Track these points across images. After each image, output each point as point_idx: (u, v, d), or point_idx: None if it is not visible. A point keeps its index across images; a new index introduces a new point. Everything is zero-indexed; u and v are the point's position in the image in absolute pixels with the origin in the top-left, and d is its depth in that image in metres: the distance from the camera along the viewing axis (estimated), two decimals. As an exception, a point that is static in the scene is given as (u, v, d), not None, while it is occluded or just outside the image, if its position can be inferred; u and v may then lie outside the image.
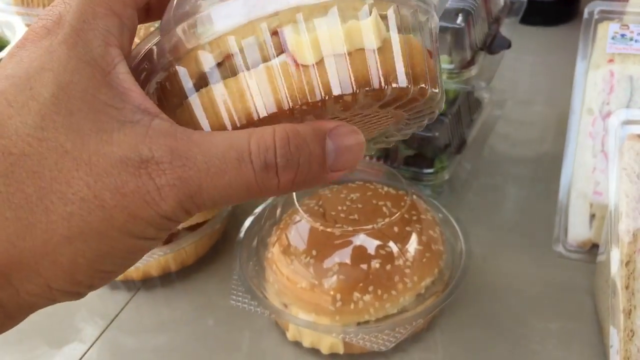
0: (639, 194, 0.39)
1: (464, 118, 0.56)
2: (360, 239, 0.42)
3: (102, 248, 0.22)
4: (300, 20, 0.23)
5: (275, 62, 0.23)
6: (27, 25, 0.55)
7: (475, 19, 0.49)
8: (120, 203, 0.22)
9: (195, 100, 0.24)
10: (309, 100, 0.23)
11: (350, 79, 0.23)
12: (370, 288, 0.41)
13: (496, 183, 0.60)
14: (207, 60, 0.24)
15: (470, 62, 0.49)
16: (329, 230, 0.42)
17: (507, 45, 0.52)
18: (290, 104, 0.23)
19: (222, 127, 0.24)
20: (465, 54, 0.48)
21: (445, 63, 0.48)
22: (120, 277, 0.49)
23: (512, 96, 0.73)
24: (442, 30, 0.48)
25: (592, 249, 0.49)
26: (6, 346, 0.46)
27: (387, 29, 0.24)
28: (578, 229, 0.50)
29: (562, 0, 0.82)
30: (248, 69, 0.23)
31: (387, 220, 0.42)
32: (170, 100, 0.25)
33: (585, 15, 0.53)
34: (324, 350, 0.42)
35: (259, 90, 0.23)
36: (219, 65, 0.24)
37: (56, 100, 0.22)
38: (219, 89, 0.24)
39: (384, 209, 0.44)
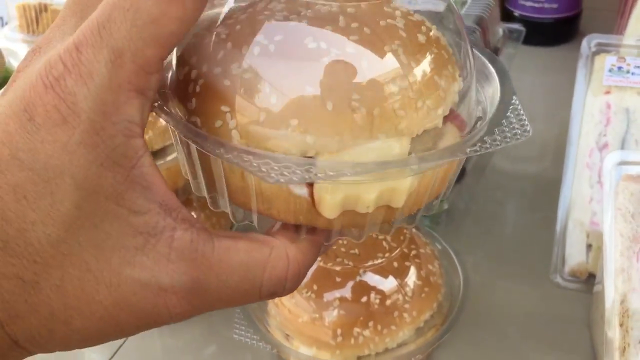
0: (633, 234, 0.40)
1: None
2: (361, 275, 0.43)
3: (106, 341, 0.24)
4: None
5: (298, 189, 0.24)
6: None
7: (473, 53, 0.50)
8: (134, 324, 0.23)
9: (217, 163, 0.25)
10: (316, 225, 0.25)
11: (364, 231, 0.27)
12: (370, 323, 0.41)
13: (495, 210, 0.60)
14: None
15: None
16: (329, 265, 0.43)
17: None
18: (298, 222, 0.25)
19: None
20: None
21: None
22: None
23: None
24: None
25: (589, 278, 0.50)
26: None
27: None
28: (575, 259, 0.51)
29: (562, 21, 0.83)
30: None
31: (387, 256, 0.43)
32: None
33: (583, 48, 0.54)
34: (325, 382, 0.43)
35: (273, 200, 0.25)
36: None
37: (79, 213, 0.22)
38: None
39: (384, 243, 0.45)
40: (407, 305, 0.42)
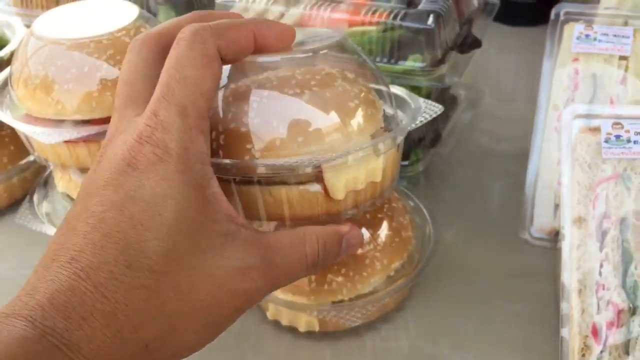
0: (590, 183, 0.42)
1: (439, 115, 0.59)
2: (335, 225, 0.45)
3: (215, 333, 0.31)
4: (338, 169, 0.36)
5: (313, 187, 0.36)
6: (27, 26, 0.58)
7: (446, 20, 0.52)
8: (232, 304, 0.30)
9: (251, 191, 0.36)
10: (330, 213, 0.37)
11: (360, 205, 0.39)
12: (343, 270, 0.44)
13: (472, 176, 0.63)
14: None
15: (441, 61, 0.52)
16: (305, 216, 0.45)
17: (478, 44, 0.55)
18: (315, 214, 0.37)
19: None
20: (436, 52, 0.52)
21: (417, 62, 0.52)
22: None
23: (496, 94, 0.76)
24: (414, 31, 0.51)
25: (556, 236, 0.53)
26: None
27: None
28: (543, 218, 0.53)
29: (542, 1, 0.85)
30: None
31: (359, 207, 0.46)
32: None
33: (552, 16, 0.56)
34: (301, 327, 0.46)
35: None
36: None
37: (180, 226, 0.29)
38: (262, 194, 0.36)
39: (358, 197, 0.47)
40: (378, 254, 0.45)
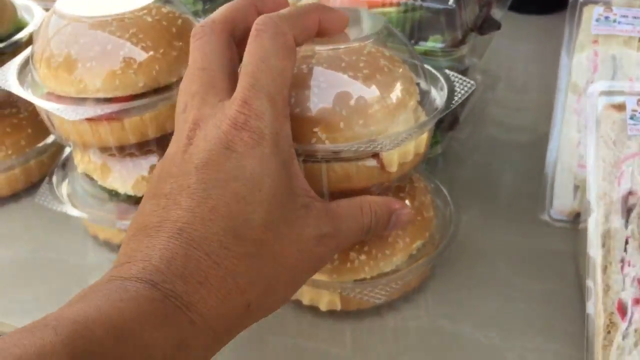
0: (615, 160, 0.42)
1: (457, 97, 0.59)
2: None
3: (296, 290, 0.37)
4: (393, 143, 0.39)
5: (370, 162, 0.40)
6: (46, 10, 0.58)
7: (466, 1, 0.52)
8: (310, 265, 0.36)
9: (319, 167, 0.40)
10: (382, 183, 0.41)
11: (406, 174, 0.43)
12: (366, 248, 0.44)
13: (490, 161, 0.63)
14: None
15: (462, 42, 0.52)
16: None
17: (497, 26, 0.55)
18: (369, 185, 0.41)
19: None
20: (457, 33, 0.51)
21: (437, 42, 0.52)
22: None
23: (508, 83, 0.76)
24: (435, 11, 0.51)
25: (576, 218, 0.52)
26: (26, 310, 0.49)
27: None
28: (563, 200, 0.53)
29: (556, -11, 0.85)
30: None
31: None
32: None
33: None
34: (323, 307, 0.46)
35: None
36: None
37: (274, 200, 0.33)
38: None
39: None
40: (400, 232, 0.45)
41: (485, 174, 0.61)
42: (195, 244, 0.30)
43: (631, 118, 0.42)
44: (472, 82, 0.44)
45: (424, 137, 0.43)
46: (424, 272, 0.47)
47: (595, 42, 0.55)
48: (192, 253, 0.30)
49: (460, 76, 0.45)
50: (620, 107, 0.42)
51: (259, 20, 0.35)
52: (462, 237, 0.49)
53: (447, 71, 0.45)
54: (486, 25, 0.54)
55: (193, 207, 0.31)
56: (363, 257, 0.44)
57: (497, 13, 0.60)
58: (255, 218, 0.32)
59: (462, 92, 0.43)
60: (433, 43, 0.51)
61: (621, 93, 0.43)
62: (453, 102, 0.42)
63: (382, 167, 0.40)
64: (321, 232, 0.35)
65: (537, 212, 0.53)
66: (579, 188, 0.53)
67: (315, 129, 0.38)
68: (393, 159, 0.40)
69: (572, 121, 0.54)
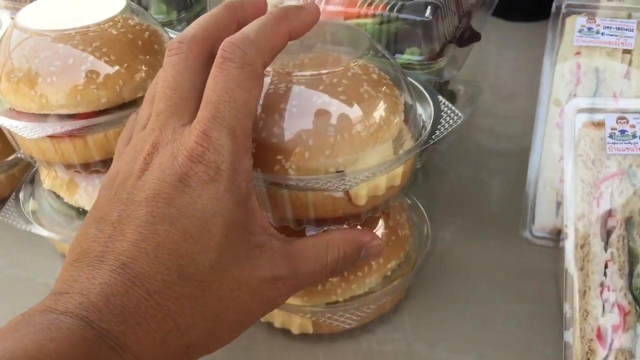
0: (594, 180, 0.41)
1: (437, 109, 0.57)
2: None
3: (241, 332, 0.34)
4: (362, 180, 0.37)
5: (337, 193, 0.38)
6: (12, 18, 0.56)
7: (444, 13, 0.51)
8: (260, 308, 0.34)
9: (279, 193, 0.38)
10: (351, 214, 0.39)
11: (379, 207, 0.41)
12: (337, 270, 0.42)
13: (472, 174, 0.61)
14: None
15: (439, 54, 0.50)
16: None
17: (477, 38, 0.54)
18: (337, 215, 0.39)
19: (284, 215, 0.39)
20: (434, 46, 0.50)
21: (415, 55, 0.50)
22: None
23: (496, 91, 0.75)
24: (412, 23, 0.49)
25: (558, 235, 0.51)
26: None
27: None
28: (545, 217, 0.52)
29: (542, -5, 0.83)
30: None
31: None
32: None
33: (554, 9, 0.55)
34: (294, 330, 0.44)
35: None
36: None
37: (225, 240, 0.31)
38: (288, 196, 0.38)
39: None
40: (374, 253, 0.43)
41: (467, 187, 0.59)
42: (138, 281, 0.29)
43: (610, 137, 0.40)
44: (459, 114, 0.42)
45: (398, 171, 0.40)
46: (399, 293, 0.46)
47: (578, 53, 0.54)
48: (133, 291, 0.29)
49: (450, 106, 0.43)
50: (599, 125, 0.41)
51: (226, 46, 0.33)
52: (440, 254, 0.48)
53: (439, 97, 0.43)
54: (465, 36, 0.53)
55: (139, 241, 0.30)
56: (335, 279, 0.42)
57: (479, 20, 0.58)
58: (202, 259, 0.30)
59: (446, 125, 0.41)
60: (410, 56, 0.50)
61: (600, 111, 0.42)
62: (433, 136, 0.41)
63: (350, 199, 0.38)
64: (275, 274, 0.33)
65: (519, 229, 0.52)
66: (562, 204, 0.52)
67: (279, 157, 0.36)
68: (361, 194, 0.38)
69: (553, 135, 0.53)
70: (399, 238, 0.45)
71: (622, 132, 0.40)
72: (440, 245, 0.48)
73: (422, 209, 0.49)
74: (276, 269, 0.33)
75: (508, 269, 0.50)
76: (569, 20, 0.54)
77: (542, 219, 0.52)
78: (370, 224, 0.44)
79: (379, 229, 0.44)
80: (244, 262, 0.32)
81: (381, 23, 0.50)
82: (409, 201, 0.49)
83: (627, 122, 0.41)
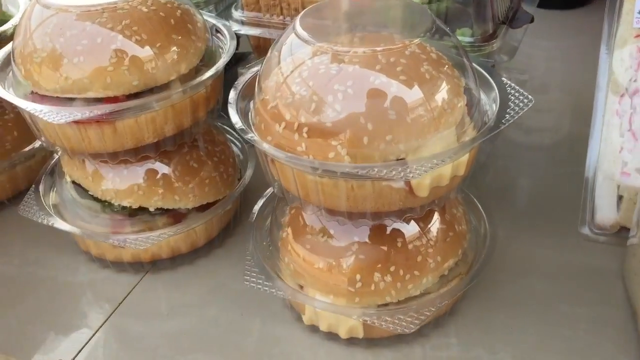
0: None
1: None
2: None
3: None
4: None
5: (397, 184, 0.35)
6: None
7: (498, -9, 0.47)
8: None
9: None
10: (411, 208, 0.36)
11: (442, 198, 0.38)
12: (392, 268, 0.38)
13: (515, 166, 0.58)
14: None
15: (492, 36, 0.47)
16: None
17: (530, 19, 0.50)
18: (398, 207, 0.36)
19: None
20: (488, 26, 0.46)
21: (467, 36, 0.46)
22: (127, 258, 0.47)
23: (528, 83, 0.71)
24: (463, 2, 0.46)
25: (620, 231, 0.47)
26: (9, 331, 0.44)
27: None
28: (605, 212, 0.48)
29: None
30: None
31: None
32: None
33: (613, -12, 0.51)
34: (342, 334, 0.40)
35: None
36: None
37: None
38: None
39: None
40: (430, 250, 0.39)
41: (513, 180, 0.56)
42: None
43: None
44: (529, 97, 0.39)
45: (463, 159, 0.36)
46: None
47: (638, 36, 0.50)
48: None
49: (518, 89, 0.39)
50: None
51: None
52: (496, 252, 0.44)
53: (504, 79, 0.40)
54: (518, 17, 0.49)
55: None
56: (389, 278, 0.38)
57: (528, 3, 0.55)
58: None
59: (516, 109, 0.38)
60: (461, 37, 0.46)
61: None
62: (503, 120, 0.37)
63: (411, 190, 0.34)
64: None
65: (576, 225, 0.48)
66: (623, 198, 0.48)
67: (335, 142, 0.33)
68: (424, 184, 0.34)
69: (613, 124, 0.49)
70: (456, 234, 0.41)
71: None
72: (495, 242, 0.44)
73: (478, 203, 0.45)
74: None
75: (568, 268, 0.46)
76: (627, 1, 0.51)
77: (603, 215, 0.48)
78: (426, 217, 0.40)
79: (435, 224, 0.40)
80: None
81: (430, 2, 0.47)
82: (462, 194, 0.46)
83: None
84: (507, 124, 0.36)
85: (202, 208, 0.47)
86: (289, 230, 0.42)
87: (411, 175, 0.33)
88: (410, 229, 0.40)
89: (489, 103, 0.39)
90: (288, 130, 0.34)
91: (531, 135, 0.64)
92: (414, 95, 0.34)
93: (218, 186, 0.48)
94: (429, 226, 0.40)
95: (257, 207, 0.46)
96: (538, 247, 0.48)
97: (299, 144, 0.34)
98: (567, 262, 0.46)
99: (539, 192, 0.54)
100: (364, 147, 0.33)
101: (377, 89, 0.33)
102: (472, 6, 0.46)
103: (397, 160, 0.33)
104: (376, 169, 0.32)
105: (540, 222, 0.50)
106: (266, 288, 0.40)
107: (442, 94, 0.35)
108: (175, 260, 0.48)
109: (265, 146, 0.35)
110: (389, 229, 0.39)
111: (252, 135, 0.36)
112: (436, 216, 0.41)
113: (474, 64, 0.39)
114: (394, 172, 0.32)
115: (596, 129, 0.49)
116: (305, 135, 0.34)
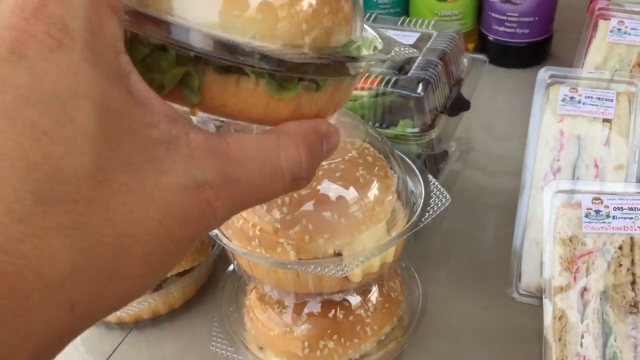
0: (571, 256, 0.44)
1: (430, 168, 0.61)
2: (327, 292, 0.47)
3: (161, 274, 0.23)
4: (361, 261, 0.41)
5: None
6: None
7: (435, 86, 0.54)
8: (185, 234, 0.23)
9: None
10: (344, 290, 0.44)
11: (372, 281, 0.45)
12: (335, 336, 0.46)
13: (461, 228, 0.64)
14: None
15: (431, 126, 0.54)
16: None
17: (467, 106, 0.57)
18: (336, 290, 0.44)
19: None
20: (426, 118, 0.54)
21: (409, 127, 0.54)
22: (113, 319, 0.54)
23: (490, 132, 0.78)
24: (405, 98, 0.53)
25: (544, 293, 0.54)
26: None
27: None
28: (530, 275, 0.55)
29: (533, 44, 0.87)
30: None
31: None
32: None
33: (538, 79, 0.58)
34: (294, 392, 0.48)
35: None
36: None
37: (103, 134, 0.20)
38: None
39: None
40: (369, 320, 0.46)
41: (457, 241, 0.62)
42: None
43: (586, 216, 0.44)
44: (448, 197, 0.46)
45: (391, 250, 0.44)
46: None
47: (561, 121, 0.57)
48: None
49: (440, 187, 0.46)
50: (576, 205, 0.45)
51: None
52: (431, 311, 0.51)
53: (429, 177, 0.47)
54: (456, 106, 0.56)
55: None
56: (332, 344, 0.46)
57: (470, 85, 0.62)
58: (70, 165, 0.20)
59: (435, 207, 0.45)
60: (403, 127, 0.53)
61: (577, 192, 0.45)
62: (423, 219, 0.44)
63: (346, 277, 0.42)
64: (196, 179, 0.22)
65: (506, 287, 0.55)
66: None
67: (282, 240, 0.40)
68: (356, 272, 0.42)
69: (538, 197, 0.56)
70: (392, 303, 0.48)
71: (597, 212, 0.44)
72: (431, 302, 0.51)
73: (414, 271, 0.52)
74: (197, 172, 0.22)
75: (495, 327, 0.53)
76: (552, 90, 0.58)
77: (528, 278, 0.55)
78: (364, 291, 0.48)
79: (373, 295, 0.48)
80: (142, 166, 0.21)
81: (376, 96, 0.54)
82: (403, 264, 0.53)
83: (602, 203, 0.44)
84: (425, 222, 0.43)
85: (181, 273, 0.54)
86: (252, 297, 0.49)
87: (345, 270, 0.40)
88: (353, 302, 0.47)
89: (417, 193, 0.46)
90: (244, 227, 0.42)
91: (494, 178, 0.71)
92: (349, 197, 0.41)
93: (193, 255, 0.55)
94: (369, 297, 0.47)
95: (227, 273, 0.53)
96: (470, 308, 0.55)
97: (253, 239, 0.41)
98: (495, 322, 0.53)
99: (478, 253, 0.61)
100: (305, 243, 0.40)
101: (319, 193, 0.41)
102: (412, 102, 0.53)
103: (335, 253, 0.41)
104: (312, 266, 0.39)
105: (477, 283, 0.57)
106: (229, 353, 0.47)
107: (373, 192, 0.42)
108: (155, 320, 0.55)
109: (225, 241, 0.42)
110: (334, 303, 0.46)
111: (215, 233, 0.43)
112: (375, 289, 0.48)
113: (404, 157, 0.47)
114: (327, 270, 0.39)
115: (523, 200, 0.57)
116: (257, 232, 0.41)
